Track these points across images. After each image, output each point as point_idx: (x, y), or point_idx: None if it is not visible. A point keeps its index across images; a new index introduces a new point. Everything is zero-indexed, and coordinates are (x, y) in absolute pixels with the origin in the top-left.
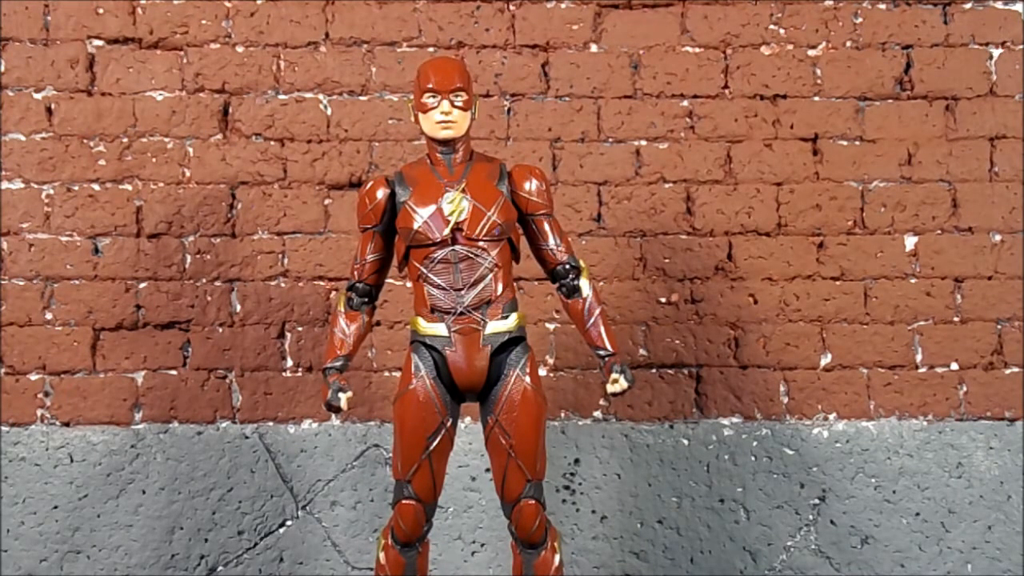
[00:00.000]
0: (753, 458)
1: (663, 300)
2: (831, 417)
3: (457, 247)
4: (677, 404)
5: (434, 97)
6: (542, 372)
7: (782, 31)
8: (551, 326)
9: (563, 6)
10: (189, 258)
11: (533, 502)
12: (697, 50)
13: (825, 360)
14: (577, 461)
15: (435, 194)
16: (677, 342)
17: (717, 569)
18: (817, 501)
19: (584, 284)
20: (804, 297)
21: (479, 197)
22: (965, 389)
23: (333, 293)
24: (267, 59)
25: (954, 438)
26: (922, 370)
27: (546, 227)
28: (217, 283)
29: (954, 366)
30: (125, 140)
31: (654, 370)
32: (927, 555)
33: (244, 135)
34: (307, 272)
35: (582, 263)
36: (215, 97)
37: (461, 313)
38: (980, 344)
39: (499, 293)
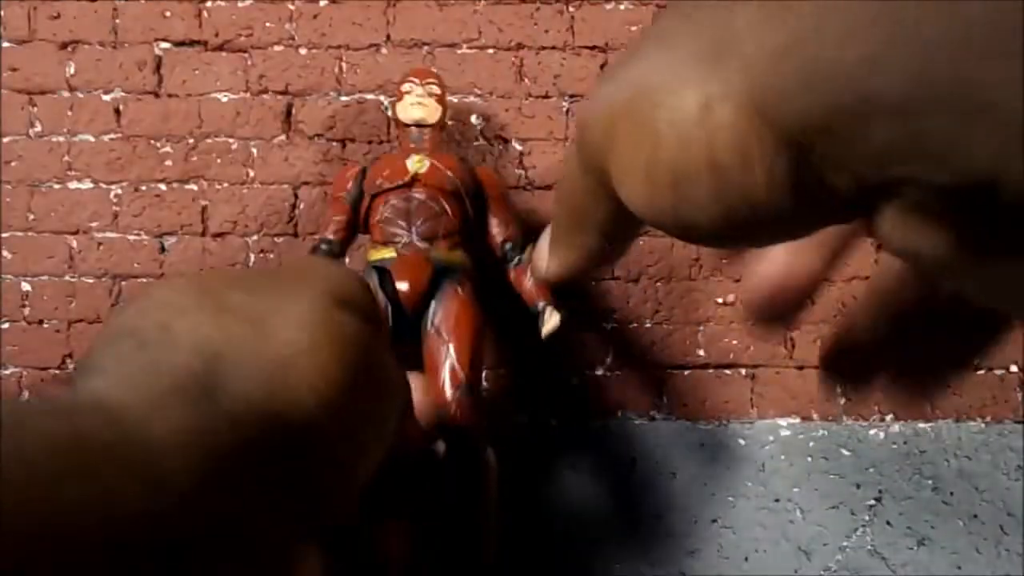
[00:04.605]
0: (809, 459)
1: (720, 300)
2: (888, 418)
3: (415, 192)
4: (732, 404)
5: (411, 85)
6: (599, 372)
7: None
8: (609, 326)
9: (622, 7)
10: (253, 257)
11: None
12: None
13: None
14: (633, 461)
15: (400, 158)
16: (734, 342)
17: (771, 568)
18: (873, 502)
19: (528, 255)
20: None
21: (440, 161)
22: None
23: None
24: (329, 61)
25: (1013, 440)
26: (981, 372)
27: (494, 205)
28: None
29: (1013, 368)
30: (191, 141)
31: (710, 370)
32: (985, 557)
33: (306, 136)
34: None
35: (531, 244)
36: (278, 98)
37: (410, 242)
38: None
39: (447, 232)
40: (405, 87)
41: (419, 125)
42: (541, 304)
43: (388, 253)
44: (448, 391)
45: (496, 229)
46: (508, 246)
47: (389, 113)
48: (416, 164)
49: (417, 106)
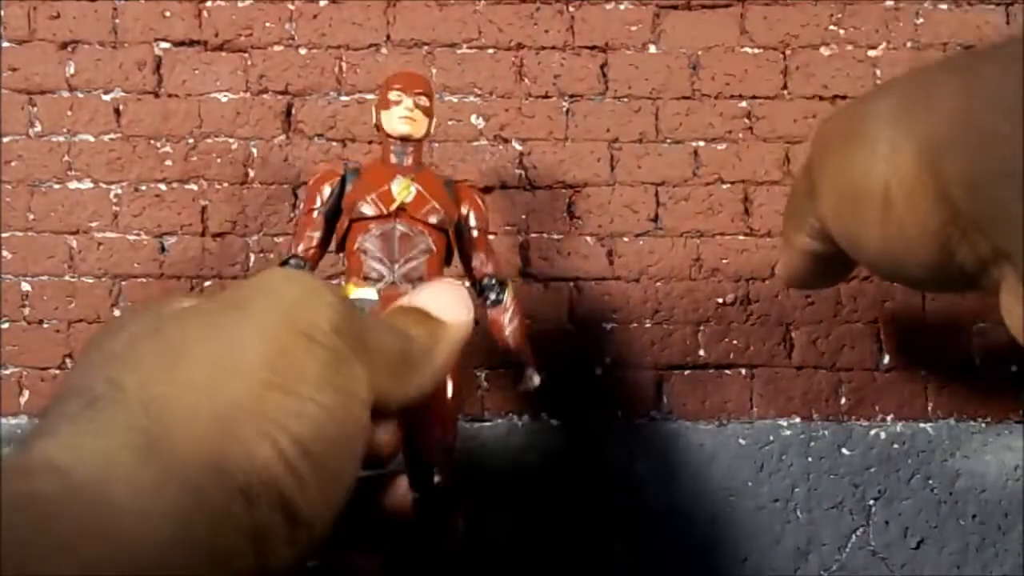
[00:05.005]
0: (809, 459)
1: (720, 300)
2: (888, 418)
3: (399, 224)
4: (732, 404)
5: (399, 94)
6: (599, 372)
7: (842, 32)
8: (608, 325)
9: (622, 7)
10: (253, 257)
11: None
12: (756, 51)
13: (883, 361)
14: (632, 461)
15: (385, 178)
16: (734, 342)
17: (770, 569)
18: (873, 502)
19: (507, 298)
20: (861, 298)
21: (426, 188)
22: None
23: None
24: (329, 61)
25: (1012, 440)
26: (980, 372)
27: (476, 241)
28: None
29: (1013, 368)
30: (191, 141)
31: (710, 370)
32: (984, 558)
33: (307, 136)
34: None
35: (508, 281)
36: (278, 98)
37: (392, 283)
38: None
39: (429, 276)
40: (393, 95)
41: (404, 139)
42: (524, 363)
43: (369, 293)
44: (425, 450)
45: (478, 262)
46: (488, 282)
47: (373, 118)
48: (403, 192)
49: (405, 121)
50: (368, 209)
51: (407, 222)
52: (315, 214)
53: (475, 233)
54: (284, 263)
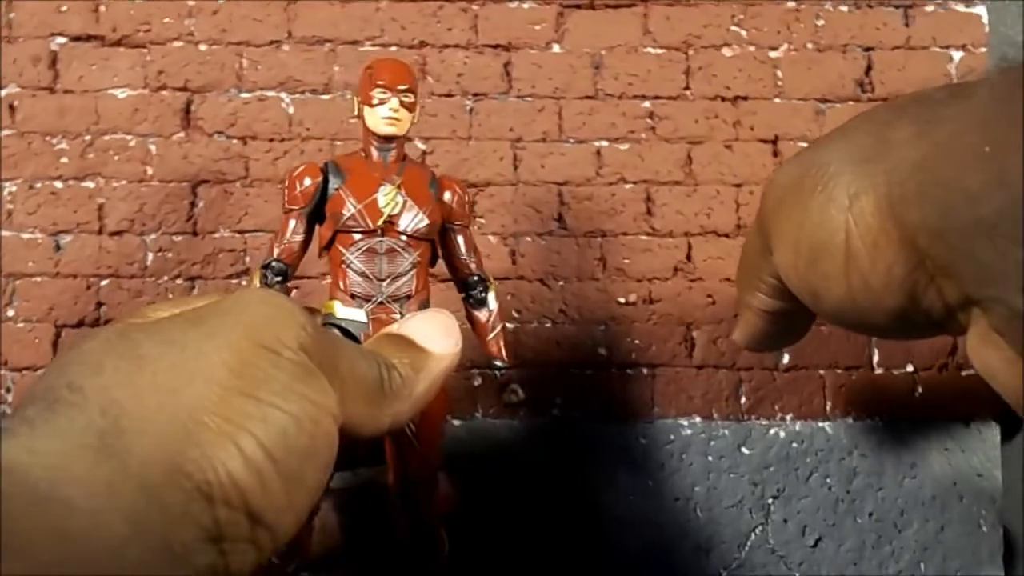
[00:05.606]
0: (709, 458)
1: (622, 300)
2: (787, 417)
3: (386, 238)
4: (634, 404)
5: (384, 92)
6: (500, 372)
7: (744, 32)
8: (511, 325)
9: (526, 6)
10: (151, 256)
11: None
12: (659, 51)
13: (782, 361)
14: (533, 460)
15: (371, 185)
16: (636, 342)
17: (671, 568)
18: (771, 501)
19: (491, 298)
20: None
21: (413, 195)
22: (920, 391)
23: (294, 292)
24: (229, 57)
25: (909, 438)
26: (878, 371)
27: (461, 238)
28: (179, 281)
29: (909, 368)
30: (88, 138)
31: (612, 370)
32: (881, 554)
33: (206, 133)
34: None
35: (491, 278)
36: (177, 95)
37: (380, 303)
38: (935, 346)
39: (416, 291)
40: (377, 93)
41: (389, 139)
42: (501, 364)
43: (358, 315)
44: (413, 475)
45: (461, 259)
46: (472, 279)
47: (355, 112)
48: (390, 204)
49: (390, 122)
50: (354, 222)
51: (394, 236)
52: (293, 217)
53: (458, 230)
54: (265, 267)
